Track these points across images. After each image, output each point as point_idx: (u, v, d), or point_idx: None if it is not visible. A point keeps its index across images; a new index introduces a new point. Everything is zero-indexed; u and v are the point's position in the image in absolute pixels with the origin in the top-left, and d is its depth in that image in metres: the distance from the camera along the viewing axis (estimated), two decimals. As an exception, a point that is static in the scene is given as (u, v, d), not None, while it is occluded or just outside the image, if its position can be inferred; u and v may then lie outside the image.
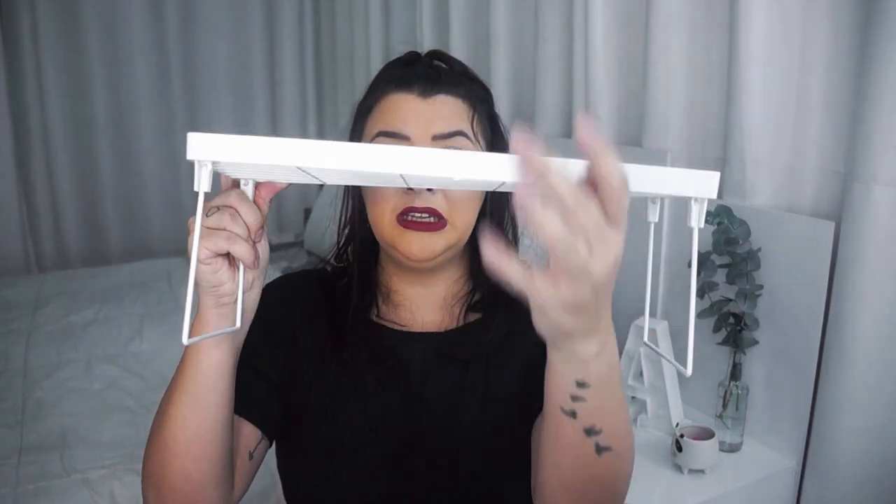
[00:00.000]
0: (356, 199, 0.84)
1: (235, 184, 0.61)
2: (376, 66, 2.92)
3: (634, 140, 1.74)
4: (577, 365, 0.52)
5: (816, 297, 1.29)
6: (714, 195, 0.50)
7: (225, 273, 0.60)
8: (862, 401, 1.24)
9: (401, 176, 0.51)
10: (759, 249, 1.37)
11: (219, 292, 0.61)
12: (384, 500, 0.80)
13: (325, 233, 2.75)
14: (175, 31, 3.33)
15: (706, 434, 1.33)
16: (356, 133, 0.82)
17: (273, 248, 3.36)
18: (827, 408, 1.29)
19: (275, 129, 3.62)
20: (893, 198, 1.16)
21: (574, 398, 0.54)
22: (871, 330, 1.21)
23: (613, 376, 0.55)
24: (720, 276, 1.40)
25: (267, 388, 0.81)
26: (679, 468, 1.34)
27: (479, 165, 0.47)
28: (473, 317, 0.84)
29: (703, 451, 1.31)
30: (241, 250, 0.58)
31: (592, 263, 0.42)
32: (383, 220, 0.76)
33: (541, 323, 0.47)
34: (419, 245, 0.75)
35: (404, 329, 0.84)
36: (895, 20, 1.11)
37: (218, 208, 0.58)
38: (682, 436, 1.32)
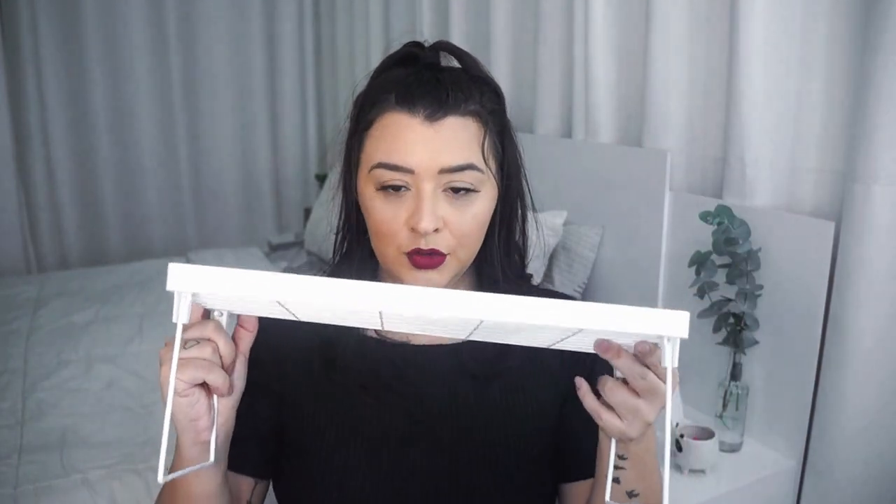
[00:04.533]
0: (354, 216, 0.79)
1: (206, 314, 0.61)
2: (376, 64, 2.91)
3: (634, 140, 1.74)
4: (620, 444, 0.65)
5: (816, 297, 1.29)
6: (686, 334, 0.49)
7: (203, 405, 0.60)
8: (862, 401, 1.24)
9: (380, 314, 0.51)
10: (759, 249, 1.37)
11: (197, 427, 0.61)
12: None
13: (327, 236, 2.75)
14: (175, 32, 3.33)
15: (706, 434, 1.33)
16: (355, 145, 0.76)
17: (273, 248, 3.36)
18: (827, 408, 1.29)
19: (275, 130, 3.63)
20: (893, 198, 1.16)
21: (616, 467, 0.66)
22: (872, 330, 1.21)
23: (649, 454, 0.68)
24: (720, 276, 1.40)
25: (254, 439, 0.79)
26: (679, 468, 1.34)
27: (461, 304, 0.48)
28: None
29: (703, 451, 1.31)
30: (218, 378, 0.58)
31: (646, 416, 0.60)
32: (387, 254, 0.74)
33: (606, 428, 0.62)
34: (424, 282, 0.73)
35: (408, 343, 0.81)
36: (895, 20, 1.11)
37: (196, 341, 0.58)
38: (682, 436, 1.32)
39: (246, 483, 0.79)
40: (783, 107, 1.38)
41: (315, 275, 0.88)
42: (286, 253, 3.07)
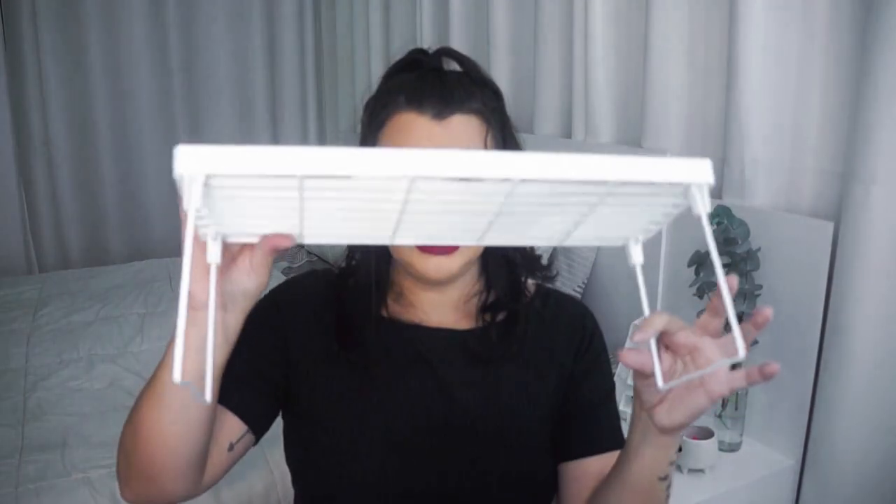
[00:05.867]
0: None
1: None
2: (376, 66, 2.92)
3: (634, 140, 1.74)
4: (679, 439, 0.67)
5: (815, 297, 1.30)
6: (712, 180, 0.49)
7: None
8: (861, 400, 1.24)
9: (394, 229, 0.49)
10: (759, 249, 1.37)
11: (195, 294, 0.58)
12: (402, 492, 0.80)
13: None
14: (176, 33, 3.34)
15: (706, 434, 1.34)
16: (368, 146, 0.80)
17: (273, 248, 3.39)
18: (826, 407, 1.29)
19: (275, 130, 3.63)
20: (892, 198, 1.16)
21: (671, 463, 0.69)
22: (870, 330, 1.21)
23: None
24: (720, 276, 1.40)
25: (260, 386, 0.81)
26: (679, 468, 1.34)
27: (491, 162, 0.45)
28: (490, 317, 0.85)
29: (702, 451, 1.31)
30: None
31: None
32: (400, 246, 0.77)
33: (681, 418, 0.60)
34: (436, 268, 0.76)
35: (420, 325, 0.84)
36: (895, 20, 1.11)
37: None
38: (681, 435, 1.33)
39: (235, 424, 0.78)
40: (783, 107, 1.38)
41: (322, 267, 0.90)
42: (286, 253, 3.08)
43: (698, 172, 0.49)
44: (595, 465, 0.82)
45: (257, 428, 0.81)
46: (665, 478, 0.69)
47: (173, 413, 0.65)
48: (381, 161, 0.45)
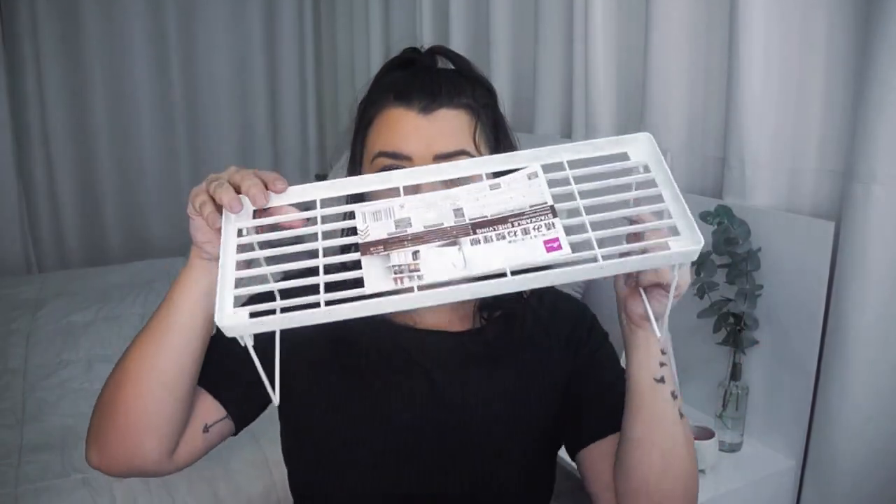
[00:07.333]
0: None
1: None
2: (376, 66, 2.89)
3: (634, 140, 1.74)
4: (654, 336, 0.70)
5: (816, 297, 1.29)
6: (695, 257, 0.58)
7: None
8: (862, 400, 1.24)
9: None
10: (759, 249, 1.37)
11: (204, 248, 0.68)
12: (398, 498, 0.80)
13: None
14: (175, 32, 3.33)
15: (706, 434, 1.33)
16: (358, 144, 0.80)
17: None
18: (827, 407, 1.29)
19: (275, 130, 3.63)
20: (893, 198, 1.16)
21: (661, 364, 0.72)
22: (871, 330, 1.21)
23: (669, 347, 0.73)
24: (720, 276, 1.40)
25: (243, 374, 0.78)
26: (679, 468, 1.34)
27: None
28: (487, 316, 0.84)
29: (703, 451, 1.31)
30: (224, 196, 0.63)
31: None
32: None
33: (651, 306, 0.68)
34: None
35: (414, 326, 0.83)
36: (895, 20, 1.11)
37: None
38: (681, 436, 1.32)
39: (212, 406, 0.78)
40: (783, 107, 1.38)
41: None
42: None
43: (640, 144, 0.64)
44: (613, 446, 0.80)
45: (236, 415, 0.80)
46: (661, 380, 0.72)
47: (172, 351, 0.69)
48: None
